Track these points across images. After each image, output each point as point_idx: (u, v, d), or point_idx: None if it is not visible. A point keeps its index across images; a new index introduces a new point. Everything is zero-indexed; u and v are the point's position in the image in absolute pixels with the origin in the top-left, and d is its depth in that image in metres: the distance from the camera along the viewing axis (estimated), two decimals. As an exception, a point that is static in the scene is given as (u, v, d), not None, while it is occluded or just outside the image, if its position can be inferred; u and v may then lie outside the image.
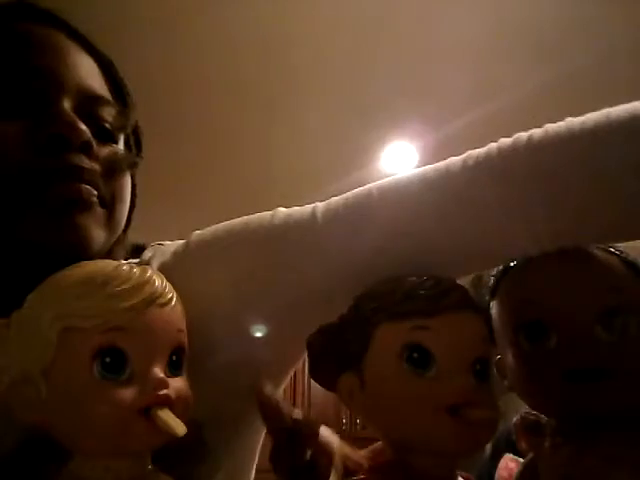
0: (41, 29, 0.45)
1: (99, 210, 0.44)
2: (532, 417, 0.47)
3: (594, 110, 0.40)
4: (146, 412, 0.34)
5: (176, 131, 2.21)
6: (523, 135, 0.41)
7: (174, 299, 0.38)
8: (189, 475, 0.39)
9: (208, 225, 0.50)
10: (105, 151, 0.45)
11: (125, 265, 0.37)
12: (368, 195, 0.45)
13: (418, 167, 0.45)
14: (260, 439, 0.54)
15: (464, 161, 0.43)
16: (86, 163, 0.42)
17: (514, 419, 0.49)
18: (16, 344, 0.35)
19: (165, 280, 0.39)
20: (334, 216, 0.45)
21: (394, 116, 2.26)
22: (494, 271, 0.49)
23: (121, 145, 0.48)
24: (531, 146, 0.40)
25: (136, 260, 0.50)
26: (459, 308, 0.39)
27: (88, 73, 0.46)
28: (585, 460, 0.41)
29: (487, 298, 0.49)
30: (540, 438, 0.46)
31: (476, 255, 0.44)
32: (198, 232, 0.50)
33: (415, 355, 0.37)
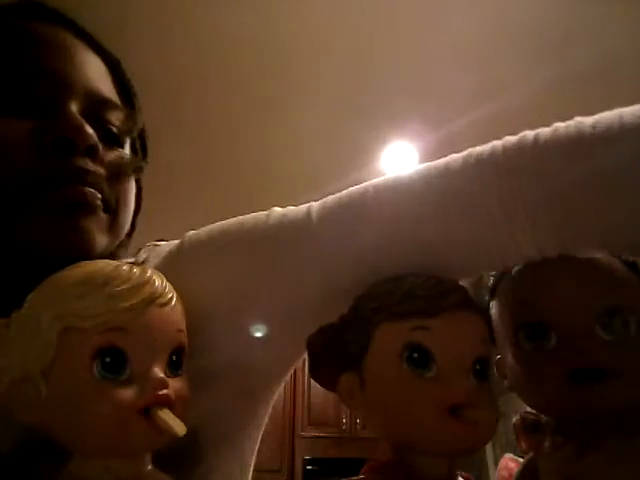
0: (49, 29, 0.45)
1: (102, 214, 0.44)
2: (532, 417, 0.47)
3: (595, 110, 0.39)
4: (146, 412, 0.34)
5: (174, 131, 2.21)
6: (530, 134, 0.40)
7: (174, 299, 0.38)
8: (186, 477, 0.39)
9: (205, 225, 0.50)
10: (111, 155, 0.45)
11: (125, 265, 0.37)
12: (364, 194, 0.44)
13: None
14: (258, 439, 0.54)
15: (465, 159, 0.41)
16: (91, 166, 0.42)
17: (514, 419, 0.49)
18: (16, 344, 0.35)
19: (165, 280, 0.39)
20: (329, 215, 0.44)
21: (394, 116, 2.26)
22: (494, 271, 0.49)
23: (127, 149, 0.48)
24: (538, 146, 0.38)
25: (131, 260, 0.49)
26: (459, 308, 0.38)
27: (96, 75, 0.46)
28: (585, 460, 0.41)
29: (487, 298, 0.49)
30: (540, 438, 0.46)
31: (475, 257, 0.42)
32: (192, 232, 0.49)
33: (415, 355, 0.37)
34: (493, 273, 0.49)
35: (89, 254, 0.41)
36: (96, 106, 0.44)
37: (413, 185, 0.42)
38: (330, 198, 0.46)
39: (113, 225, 0.45)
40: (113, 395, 0.33)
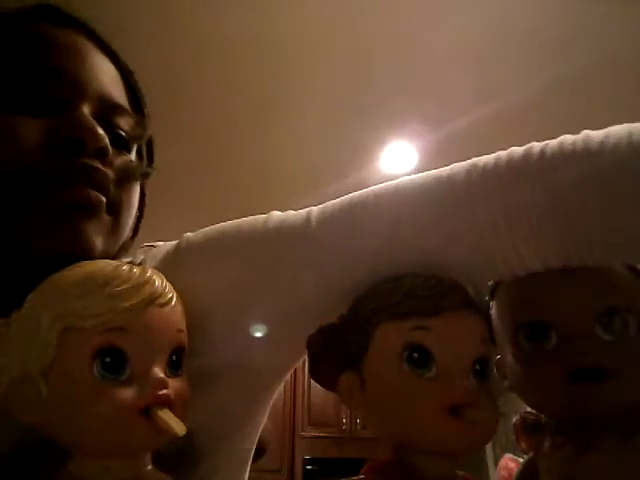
0: (63, 31, 0.45)
1: (105, 217, 0.44)
2: (532, 417, 0.47)
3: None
4: (146, 412, 0.34)
5: (173, 131, 2.21)
6: (536, 146, 0.39)
7: (174, 299, 0.38)
8: (185, 477, 0.39)
9: (204, 225, 0.50)
10: (119, 159, 0.45)
11: (125, 265, 0.37)
12: (365, 201, 0.44)
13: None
14: (256, 438, 0.54)
15: (468, 169, 0.41)
16: (100, 167, 0.42)
17: (514, 419, 0.49)
18: (16, 344, 0.35)
19: (165, 280, 0.39)
20: (329, 221, 0.44)
21: (394, 116, 2.26)
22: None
23: (133, 154, 0.49)
24: (544, 159, 0.38)
25: (128, 260, 0.49)
26: (459, 308, 0.38)
27: (109, 80, 0.46)
28: (585, 460, 0.41)
29: (487, 298, 0.49)
30: (540, 438, 0.46)
31: (477, 269, 0.41)
32: (190, 234, 0.49)
33: (415, 355, 0.37)
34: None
35: (88, 256, 0.41)
36: (107, 110, 0.45)
37: (415, 194, 0.42)
38: (330, 203, 0.46)
39: (114, 228, 0.45)
40: (113, 395, 0.33)
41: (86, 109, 0.43)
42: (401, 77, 2.05)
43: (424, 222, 0.41)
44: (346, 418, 3.53)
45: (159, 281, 0.38)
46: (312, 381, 0.43)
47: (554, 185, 0.37)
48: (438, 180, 0.42)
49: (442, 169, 0.43)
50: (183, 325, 0.39)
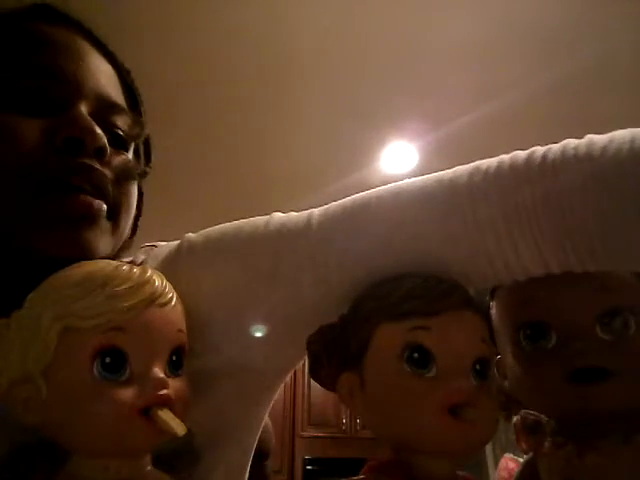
0: (60, 31, 0.45)
1: (106, 222, 0.44)
2: (532, 417, 0.47)
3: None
4: (146, 412, 0.34)
5: (174, 132, 2.21)
6: (539, 150, 0.39)
7: (174, 299, 0.38)
8: (185, 477, 0.39)
9: (205, 225, 0.50)
10: (118, 159, 0.45)
11: (125, 265, 0.37)
12: (366, 204, 0.43)
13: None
14: (255, 442, 0.53)
15: (471, 174, 0.40)
16: (98, 167, 0.42)
17: (514, 419, 0.49)
18: (16, 344, 0.35)
19: (165, 280, 0.39)
20: (330, 224, 0.44)
21: (394, 116, 2.26)
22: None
23: (130, 154, 0.49)
24: (546, 164, 0.38)
25: (129, 260, 0.49)
26: (459, 308, 0.38)
27: (106, 79, 0.46)
28: (585, 460, 0.41)
29: (487, 298, 0.49)
30: (540, 438, 0.46)
31: (477, 272, 0.41)
32: (191, 235, 0.49)
33: (415, 355, 0.37)
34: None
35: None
36: (105, 109, 0.45)
37: (416, 196, 0.42)
38: (332, 205, 0.46)
39: (115, 229, 0.45)
40: (113, 395, 0.33)
41: (84, 108, 0.43)
42: (401, 77, 2.05)
43: (425, 224, 0.41)
44: (346, 418, 3.53)
45: (159, 281, 0.38)
46: (312, 381, 0.43)
47: (555, 189, 0.37)
48: (440, 183, 0.41)
49: (445, 172, 0.42)
50: (183, 325, 0.39)
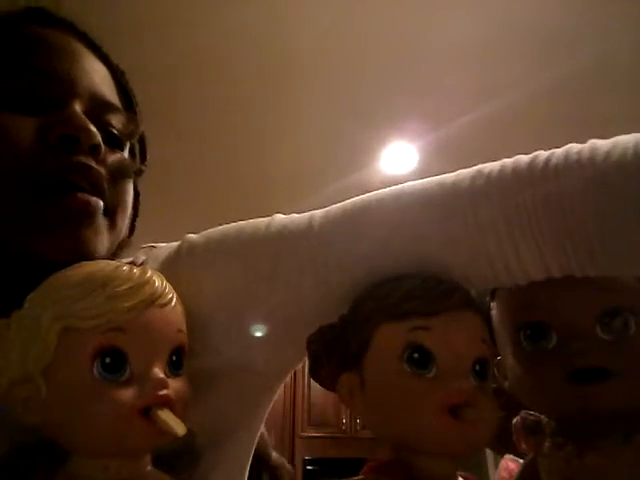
0: (54, 33, 0.46)
1: (103, 220, 0.44)
2: (532, 417, 0.47)
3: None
4: (146, 412, 0.34)
5: (174, 132, 2.21)
6: (542, 155, 0.39)
7: (174, 299, 0.38)
8: (184, 477, 0.39)
9: (206, 226, 0.50)
10: (113, 157, 0.46)
11: (125, 266, 0.37)
12: (367, 207, 0.44)
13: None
14: (255, 442, 0.54)
15: (473, 177, 0.40)
16: (94, 165, 0.43)
17: (514, 419, 0.49)
18: (16, 344, 0.35)
19: (165, 280, 0.39)
20: (331, 226, 0.44)
21: (394, 116, 2.26)
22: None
23: (126, 153, 0.49)
24: (548, 169, 0.38)
25: (129, 260, 0.49)
26: (460, 308, 0.38)
27: (99, 79, 0.47)
28: (585, 460, 0.41)
29: (488, 299, 0.49)
30: (540, 438, 0.46)
31: (478, 275, 0.41)
32: (192, 236, 0.49)
33: (415, 355, 0.37)
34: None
35: (89, 260, 0.41)
36: (99, 108, 0.45)
37: (417, 199, 0.42)
38: (333, 207, 0.46)
39: (112, 227, 0.45)
40: (113, 395, 0.33)
41: (78, 107, 0.43)
42: (401, 77, 2.05)
43: (425, 226, 0.41)
44: (346, 418, 3.53)
45: (159, 281, 0.38)
46: (312, 381, 0.43)
47: (557, 192, 0.37)
48: (442, 186, 0.41)
49: (447, 175, 0.42)
50: (183, 325, 0.39)
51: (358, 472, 0.39)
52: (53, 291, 0.36)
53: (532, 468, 0.47)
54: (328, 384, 0.42)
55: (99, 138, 0.43)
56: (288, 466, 1.54)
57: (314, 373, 0.42)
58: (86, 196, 0.42)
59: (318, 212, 0.46)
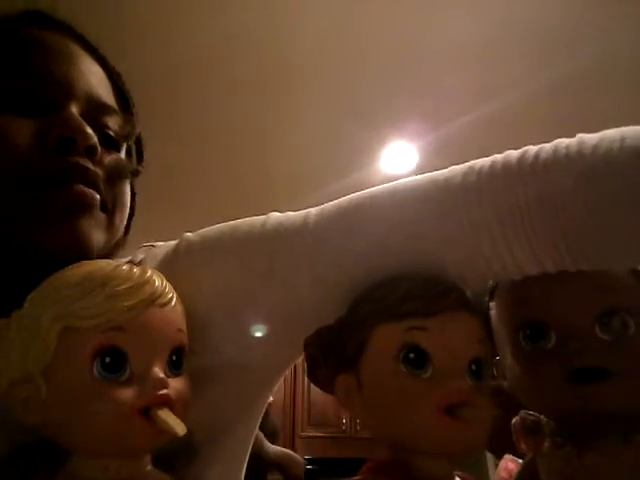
0: (52, 36, 0.46)
1: (100, 214, 0.44)
2: (532, 417, 0.47)
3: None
4: (146, 412, 0.34)
5: (174, 131, 2.21)
6: (531, 150, 0.39)
7: (174, 299, 0.38)
8: (181, 475, 0.39)
9: (205, 225, 0.50)
10: (109, 158, 0.46)
11: (125, 265, 0.37)
12: (362, 204, 0.44)
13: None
14: (252, 438, 0.54)
15: (465, 174, 0.41)
16: (90, 166, 0.43)
17: (514, 419, 0.49)
18: (16, 344, 0.35)
19: (165, 280, 0.39)
20: (326, 223, 0.44)
21: (394, 116, 2.26)
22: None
23: (122, 154, 0.49)
24: (538, 164, 0.38)
25: (128, 259, 0.50)
26: (455, 309, 0.39)
27: (96, 81, 0.47)
28: (585, 460, 0.41)
29: (486, 299, 0.49)
30: (539, 438, 0.46)
31: (474, 272, 0.41)
32: (189, 235, 0.49)
33: (411, 356, 0.37)
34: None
35: (87, 254, 0.42)
36: (95, 110, 0.46)
37: (412, 196, 0.42)
38: (328, 205, 0.46)
39: (110, 225, 0.46)
40: (113, 395, 0.33)
41: (75, 109, 0.43)
42: (401, 77, 2.05)
43: (420, 224, 0.41)
44: (346, 418, 3.53)
45: (159, 281, 0.38)
46: (312, 381, 0.43)
47: (547, 188, 0.37)
48: (435, 183, 0.42)
49: (440, 172, 0.43)
50: (183, 325, 0.39)
51: (358, 472, 0.39)
52: (53, 291, 0.36)
53: (531, 468, 0.47)
54: (325, 386, 0.42)
55: (95, 140, 0.43)
56: (296, 457, 1.53)
57: (312, 375, 0.43)
58: (81, 187, 0.42)
59: (314, 209, 0.46)
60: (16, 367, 0.35)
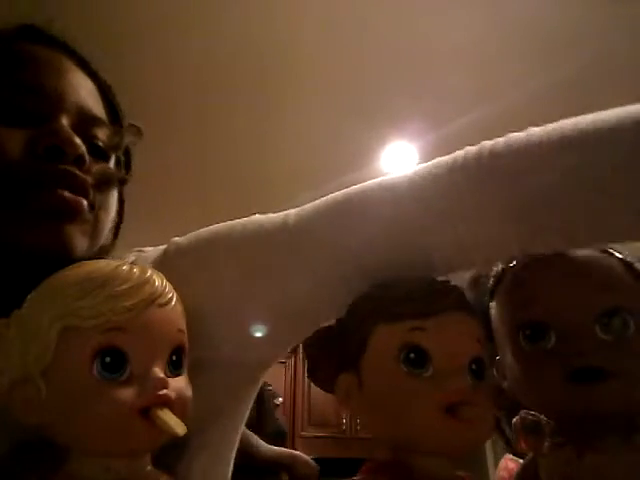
0: (44, 50, 0.48)
1: (86, 221, 0.45)
2: (532, 417, 0.47)
3: (595, 112, 0.39)
4: (146, 412, 0.34)
5: (173, 131, 2.21)
6: (500, 140, 0.41)
7: (174, 299, 0.39)
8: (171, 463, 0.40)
9: (204, 225, 0.51)
10: (97, 167, 0.47)
11: (125, 265, 0.37)
12: (348, 200, 0.45)
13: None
14: (239, 431, 0.56)
15: (449, 165, 0.42)
16: (79, 173, 0.44)
17: (513, 419, 0.49)
18: (16, 344, 0.35)
19: (165, 280, 0.39)
20: (306, 222, 0.46)
21: (394, 116, 2.25)
22: (493, 272, 0.49)
23: (111, 164, 0.51)
24: (494, 152, 0.40)
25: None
26: (455, 309, 0.39)
27: (87, 94, 0.49)
28: (585, 460, 0.41)
29: (486, 299, 0.49)
30: (540, 438, 0.46)
31: (460, 260, 0.43)
32: (177, 239, 0.51)
33: (412, 355, 0.37)
34: (492, 274, 0.49)
35: (68, 257, 0.43)
36: (85, 122, 0.47)
37: (397, 193, 0.43)
38: (308, 205, 0.47)
39: (94, 230, 0.47)
40: (113, 395, 0.33)
41: (65, 121, 0.45)
42: (401, 77, 2.05)
43: (408, 218, 0.42)
44: (346, 418, 3.53)
45: (159, 281, 0.38)
46: (312, 381, 0.43)
47: (504, 174, 0.39)
48: (421, 177, 0.43)
49: (427, 165, 0.44)
50: (183, 325, 0.39)
51: (358, 472, 0.39)
52: (53, 291, 0.36)
53: (532, 468, 0.47)
54: (326, 386, 0.42)
55: (83, 149, 0.44)
56: (302, 457, 1.50)
57: (312, 375, 0.43)
58: (67, 193, 0.43)
59: (292, 211, 0.47)
60: (16, 367, 0.35)
